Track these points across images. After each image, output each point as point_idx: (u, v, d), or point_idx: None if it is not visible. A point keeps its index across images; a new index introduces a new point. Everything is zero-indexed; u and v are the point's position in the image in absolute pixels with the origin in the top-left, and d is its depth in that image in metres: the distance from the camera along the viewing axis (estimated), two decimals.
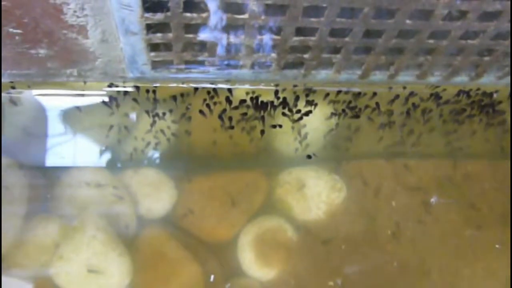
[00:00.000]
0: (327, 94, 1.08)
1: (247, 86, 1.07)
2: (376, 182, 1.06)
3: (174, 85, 1.06)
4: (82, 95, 1.04)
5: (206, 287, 0.99)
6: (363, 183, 1.05)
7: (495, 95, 1.13)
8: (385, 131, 1.09)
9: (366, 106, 1.09)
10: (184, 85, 1.06)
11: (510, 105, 1.15)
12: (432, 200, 1.06)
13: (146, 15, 0.93)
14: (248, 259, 1.01)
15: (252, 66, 1.09)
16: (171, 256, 0.99)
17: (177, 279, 0.98)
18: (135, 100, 1.04)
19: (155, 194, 1.01)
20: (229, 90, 1.07)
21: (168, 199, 1.02)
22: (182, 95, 1.06)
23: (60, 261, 0.94)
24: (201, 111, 1.05)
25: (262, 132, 1.05)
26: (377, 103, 1.09)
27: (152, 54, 1.05)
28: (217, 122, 1.05)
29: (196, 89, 1.05)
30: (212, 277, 0.98)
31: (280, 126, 1.05)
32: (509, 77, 1.18)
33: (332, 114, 1.07)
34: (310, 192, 1.04)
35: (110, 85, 1.06)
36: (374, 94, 1.10)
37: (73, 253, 0.95)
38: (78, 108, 1.03)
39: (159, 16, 0.94)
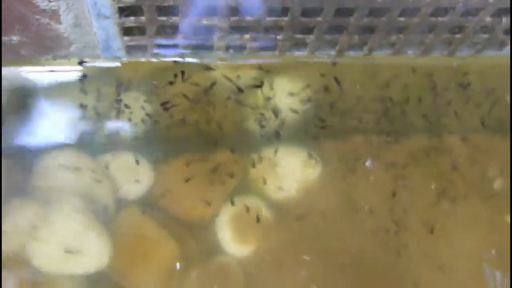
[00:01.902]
0: (299, 68, 1.09)
1: (221, 63, 1.07)
2: (351, 158, 1.07)
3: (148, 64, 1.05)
4: (53, 71, 1.02)
5: (184, 266, 1.00)
6: (339, 160, 1.07)
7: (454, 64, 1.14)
8: (362, 107, 1.10)
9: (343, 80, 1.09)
10: (156, 60, 1.05)
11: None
12: (408, 175, 1.08)
13: None
14: (226, 238, 1.02)
15: (227, 48, 1.10)
16: (149, 236, 1.00)
17: (156, 258, 0.99)
18: (107, 79, 1.04)
19: (133, 176, 1.01)
20: (204, 69, 1.06)
21: (146, 181, 1.02)
22: (156, 75, 1.05)
23: (37, 243, 0.95)
24: (175, 91, 1.04)
25: (236, 111, 1.05)
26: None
27: (126, 38, 1.05)
28: (192, 103, 1.05)
29: (170, 68, 1.05)
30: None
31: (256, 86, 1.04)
32: (481, 54, 1.20)
33: (306, 89, 1.07)
34: (284, 169, 1.05)
35: (81, 63, 1.05)
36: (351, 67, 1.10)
37: (50, 234, 0.95)
38: (50, 88, 1.03)
39: None
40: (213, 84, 1.05)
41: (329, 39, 1.11)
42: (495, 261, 1.06)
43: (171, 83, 1.05)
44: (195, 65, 1.06)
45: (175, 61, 1.05)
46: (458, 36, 1.15)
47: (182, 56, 1.07)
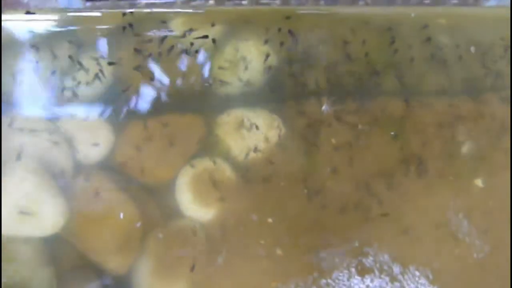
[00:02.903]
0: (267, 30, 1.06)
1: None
2: (314, 119, 1.05)
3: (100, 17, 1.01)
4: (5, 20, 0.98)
5: (143, 228, 0.98)
6: (302, 121, 1.04)
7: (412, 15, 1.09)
8: (323, 65, 1.07)
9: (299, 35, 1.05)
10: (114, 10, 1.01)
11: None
12: (372, 137, 1.05)
13: None
14: (187, 200, 0.99)
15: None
16: (108, 198, 0.97)
17: (114, 221, 0.97)
18: (58, 33, 1.01)
19: (92, 139, 0.99)
20: (165, 24, 1.03)
21: (105, 143, 1.00)
22: (113, 31, 1.02)
23: None
24: (135, 49, 1.02)
25: (196, 70, 1.03)
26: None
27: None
28: (152, 61, 1.03)
29: (130, 25, 1.02)
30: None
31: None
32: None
33: (265, 46, 1.03)
34: (248, 131, 1.03)
35: (28, 13, 0.99)
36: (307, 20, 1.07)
37: (4, 196, 0.93)
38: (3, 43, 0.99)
39: None
40: (164, 37, 1.01)
41: None
42: (462, 224, 1.04)
43: (123, 36, 1.01)
44: (148, 18, 1.03)
45: (123, 13, 1.01)
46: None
47: (132, 7, 1.03)
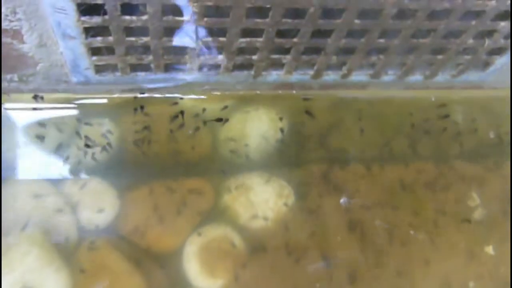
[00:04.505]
0: (274, 100, 1.05)
1: (193, 96, 1.04)
2: (325, 189, 1.03)
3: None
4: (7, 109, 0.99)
5: None
6: (312, 190, 1.03)
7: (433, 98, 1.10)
8: (335, 136, 1.06)
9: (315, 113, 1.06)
10: (125, 95, 1.01)
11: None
12: (383, 206, 1.04)
13: (83, 18, 0.89)
14: (194, 270, 0.98)
15: (200, 68, 1.06)
16: (113, 268, 0.95)
17: None
18: (65, 112, 1.00)
19: (97, 205, 0.97)
20: (169, 104, 1.03)
21: (111, 209, 0.98)
22: (119, 105, 1.01)
23: None
24: (145, 127, 1.01)
25: (207, 141, 1.02)
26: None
27: (94, 58, 1.01)
28: (160, 131, 1.01)
29: (141, 107, 1.02)
30: None
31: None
32: (463, 76, 1.17)
33: (279, 119, 1.03)
34: (257, 199, 1.01)
35: (35, 97, 1.00)
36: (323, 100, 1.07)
37: (6, 270, 0.90)
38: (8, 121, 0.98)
39: (96, 19, 0.90)
40: (175, 116, 1.00)
41: (307, 60, 1.07)
42: None
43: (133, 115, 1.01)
44: (159, 99, 1.02)
45: (135, 97, 1.01)
46: (439, 57, 1.12)
47: (155, 80, 1.03)
